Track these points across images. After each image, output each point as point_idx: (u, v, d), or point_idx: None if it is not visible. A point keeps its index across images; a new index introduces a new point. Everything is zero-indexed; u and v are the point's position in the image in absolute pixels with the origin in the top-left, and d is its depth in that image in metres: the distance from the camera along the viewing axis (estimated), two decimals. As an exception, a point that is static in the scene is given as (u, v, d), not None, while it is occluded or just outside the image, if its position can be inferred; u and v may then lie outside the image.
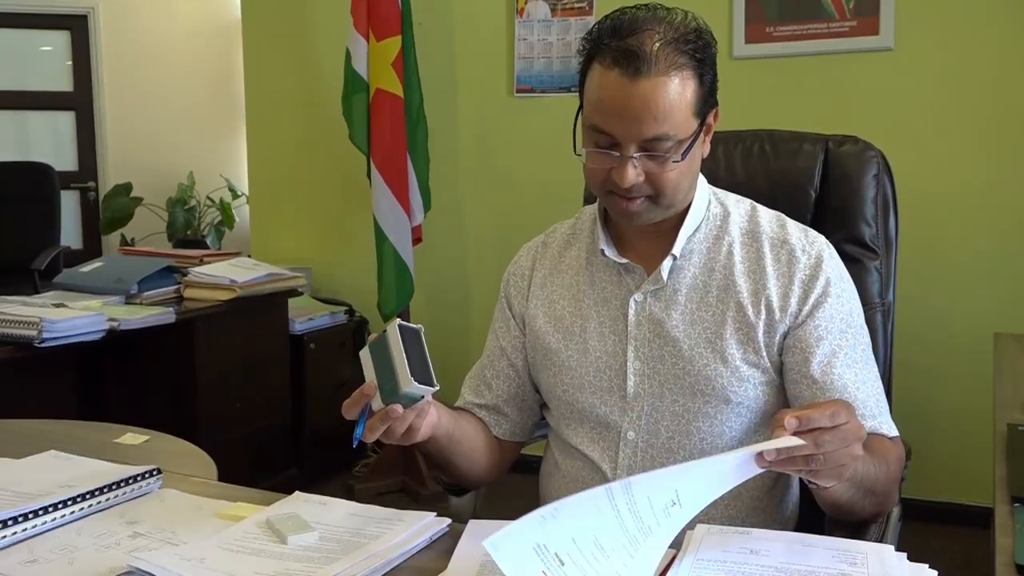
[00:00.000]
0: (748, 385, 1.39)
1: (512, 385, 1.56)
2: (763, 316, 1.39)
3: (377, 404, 1.23)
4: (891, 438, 1.36)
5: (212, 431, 3.26)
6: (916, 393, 3.34)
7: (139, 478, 1.39)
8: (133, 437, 1.78)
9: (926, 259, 3.33)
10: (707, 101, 1.34)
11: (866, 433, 1.14)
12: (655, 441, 1.42)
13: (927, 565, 1.06)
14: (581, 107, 1.37)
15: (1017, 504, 1.22)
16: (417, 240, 3.78)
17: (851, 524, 1.32)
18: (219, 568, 1.10)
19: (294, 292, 3.72)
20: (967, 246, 3.33)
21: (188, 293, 3.39)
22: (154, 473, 1.42)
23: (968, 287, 3.33)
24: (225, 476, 1.61)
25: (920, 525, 3.26)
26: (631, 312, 1.43)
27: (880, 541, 1.26)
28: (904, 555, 1.07)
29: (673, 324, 1.41)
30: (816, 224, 1.67)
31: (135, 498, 1.38)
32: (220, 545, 1.17)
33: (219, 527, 1.26)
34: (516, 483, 2.11)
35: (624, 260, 1.44)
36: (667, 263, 1.42)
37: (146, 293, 3.29)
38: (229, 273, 3.43)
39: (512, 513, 1.28)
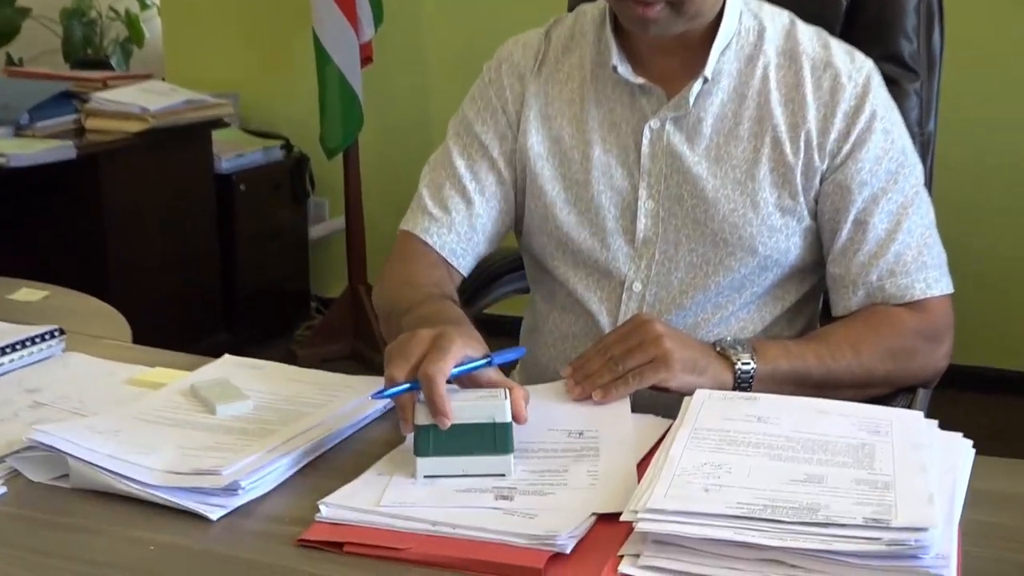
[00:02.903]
0: (780, 236, 1.40)
1: (497, 205, 1.50)
2: (802, 154, 1.39)
3: (423, 418, 1.07)
4: (916, 301, 1.37)
5: (125, 288, 3.26)
6: (954, 236, 3.37)
7: (38, 340, 1.39)
8: (30, 292, 1.77)
9: (972, 81, 3.31)
10: None
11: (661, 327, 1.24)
12: (664, 295, 1.43)
13: (961, 434, 1.08)
14: None
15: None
16: (367, 60, 3.71)
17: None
18: (137, 441, 1.11)
19: (219, 123, 3.66)
20: (1017, 64, 3.31)
21: (90, 123, 3.33)
22: (55, 334, 1.42)
23: (1019, 112, 3.33)
24: (141, 340, 1.62)
25: (955, 392, 3.34)
26: (645, 141, 1.42)
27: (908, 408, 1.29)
28: (935, 423, 1.10)
29: (695, 159, 1.41)
30: (846, 38, 1.65)
31: (34, 363, 1.38)
32: (137, 415, 1.18)
33: (135, 395, 1.27)
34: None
35: (640, 80, 1.42)
36: (696, 85, 1.40)
37: (40, 123, 3.23)
38: (139, 100, 3.36)
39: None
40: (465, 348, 1.11)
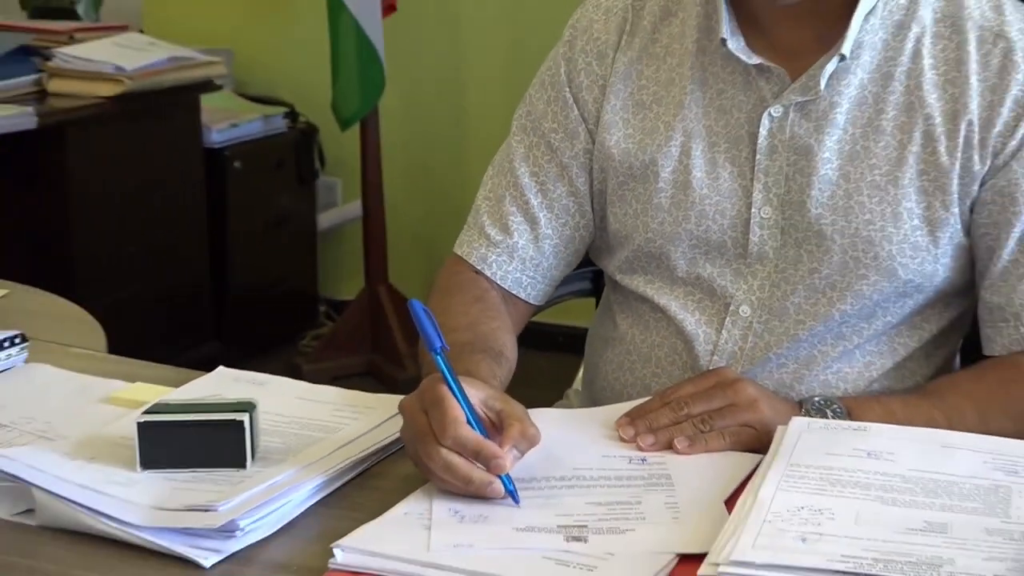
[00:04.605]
0: (926, 256, 1.39)
1: (569, 221, 1.53)
2: (960, 153, 1.37)
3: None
4: None
5: (95, 286, 3.29)
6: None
7: (-4, 347, 1.43)
8: (-16, 290, 1.81)
9: None
10: None
11: (755, 394, 1.28)
12: (777, 324, 1.43)
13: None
14: None
15: None
16: (389, 8, 3.73)
17: None
18: (115, 470, 1.14)
19: (208, 85, 3.69)
20: None
21: (54, 86, 3.37)
22: (16, 341, 1.45)
23: None
24: (116, 350, 1.65)
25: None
26: (763, 132, 1.42)
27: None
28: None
29: (825, 156, 1.40)
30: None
31: (-8, 375, 1.42)
32: (114, 440, 1.21)
33: (112, 416, 1.29)
34: (537, 363, 2.14)
35: (757, 60, 1.41)
36: (831, 64, 1.38)
37: (-7, 85, 3.27)
38: (113, 56, 3.39)
39: (536, 397, 1.33)
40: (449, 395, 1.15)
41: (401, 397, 1.23)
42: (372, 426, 1.26)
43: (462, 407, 1.13)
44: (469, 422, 1.13)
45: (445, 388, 1.14)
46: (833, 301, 1.41)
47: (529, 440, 1.14)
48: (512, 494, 1.11)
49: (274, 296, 4.04)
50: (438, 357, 1.15)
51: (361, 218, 3.96)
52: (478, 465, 1.11)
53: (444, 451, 1.11)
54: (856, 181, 1.39)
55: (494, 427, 1.16)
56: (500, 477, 1.10)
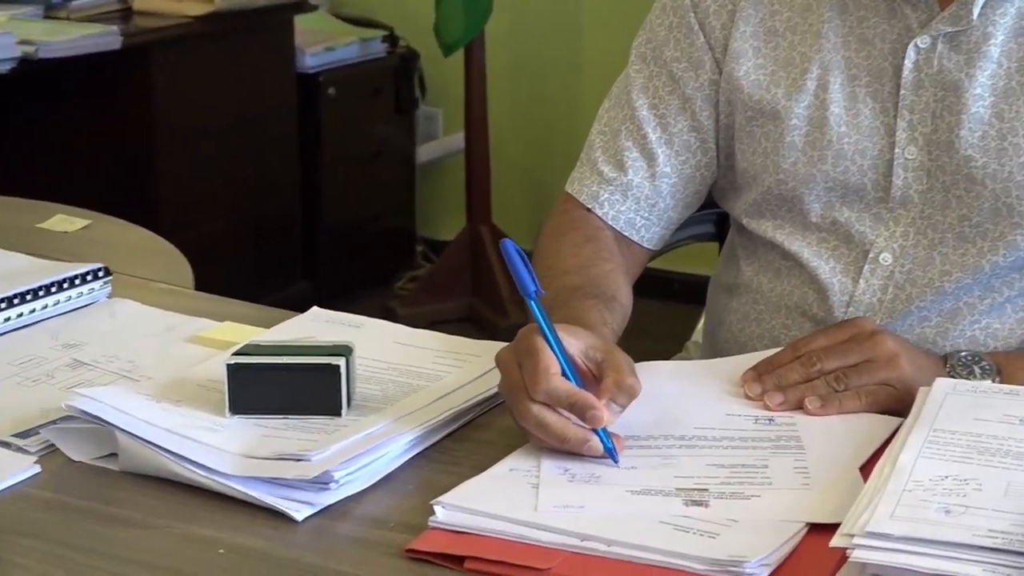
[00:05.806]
0: None
1: (690, 159, 1.52)
2: None
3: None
4: None
5: (179, 219, 3.34)
6: None
7: (77, 281, 1.45)
8: (65, 220, 1.83)
9: None
10: None
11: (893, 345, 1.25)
12: (920, 274, 1.41)
13: None
14: None
15: None
16: (499, -75, 3.72)
17: None
18: (203, 414, 1.16)
19: (303, 6, 3.71)
20: None
21: (140, 4, 3.41)
22: (99, 275, 1.47)
23: None
24: (200, 286, 1.67)
25: None
26: (908, 65, 1.40)
27: None
28: None
29: (977, 93, 1.38)
30: None
31: (72, 311, 1.44)
32: (201, 383, 1.23)
33: (198, 357, 1.31)
34: (653, 313, 2.12)
35: None
36: None
37: (76, 2, 3.31)
38: (203, -26, 3.42)
39: (652, 349, 1.32)
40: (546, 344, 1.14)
41: (500, 344, 1.23)
42: (476, 375, 1.26)
43: (557, 357, 1.12)
44: (564, 374, 1.12)
45: (540, 338, 1.13)
46: (984, 251, 1.39)
47: (627, 392, 1.13)
48: (610, 452, 1.10)
49: (368, 234, 4.06)
50: (532, 302, 1.14)
51: (463, 151, 3.97)
52: (574, 420, 1.10)
53: (536, 407, 1.10)
54: (1011, 121, 1.37)
55: (596, 380, 1.15)
56: (598, 433, 1.10)
